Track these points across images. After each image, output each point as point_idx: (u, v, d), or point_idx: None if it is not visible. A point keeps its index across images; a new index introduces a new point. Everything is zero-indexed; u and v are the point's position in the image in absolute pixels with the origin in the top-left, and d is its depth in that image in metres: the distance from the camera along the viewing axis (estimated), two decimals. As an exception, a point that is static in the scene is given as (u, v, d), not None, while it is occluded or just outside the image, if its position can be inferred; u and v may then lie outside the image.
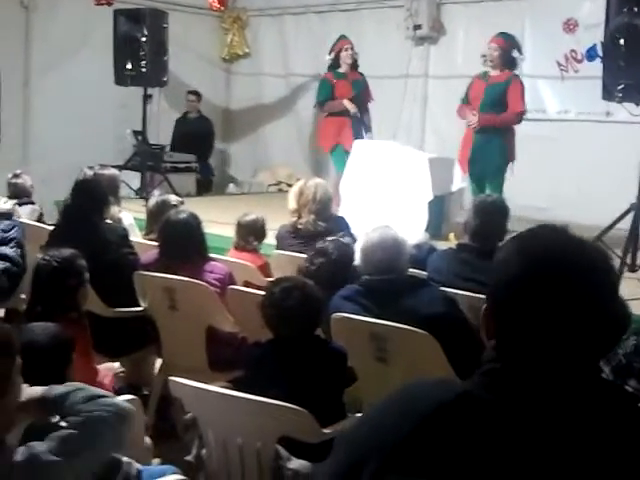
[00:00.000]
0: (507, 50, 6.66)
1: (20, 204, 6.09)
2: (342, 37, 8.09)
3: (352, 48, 7.92)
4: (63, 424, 2.06)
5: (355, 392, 3.38)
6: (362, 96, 7.91)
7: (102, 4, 8.29)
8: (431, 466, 1.23)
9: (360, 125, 7.86)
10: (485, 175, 6.71)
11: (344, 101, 7.77)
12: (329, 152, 8.05)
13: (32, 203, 6.24)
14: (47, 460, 1.93)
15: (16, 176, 6.26)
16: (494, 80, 6.66)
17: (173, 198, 5.43)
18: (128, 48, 8.28)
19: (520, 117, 6.59)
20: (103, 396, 2.10)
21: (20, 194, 6.12)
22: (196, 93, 10.32)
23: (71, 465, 1.96)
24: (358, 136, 7.72)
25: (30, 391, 2.13)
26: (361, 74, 7.99)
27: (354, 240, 4.88)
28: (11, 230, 4.15)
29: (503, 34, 6.82)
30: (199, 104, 10.37)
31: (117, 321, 4.31)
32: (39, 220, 5.90)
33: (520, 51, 6.74)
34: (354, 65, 7.94)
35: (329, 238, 4.18)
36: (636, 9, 5.50)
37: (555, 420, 1.23)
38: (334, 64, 7.97)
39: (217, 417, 2.91)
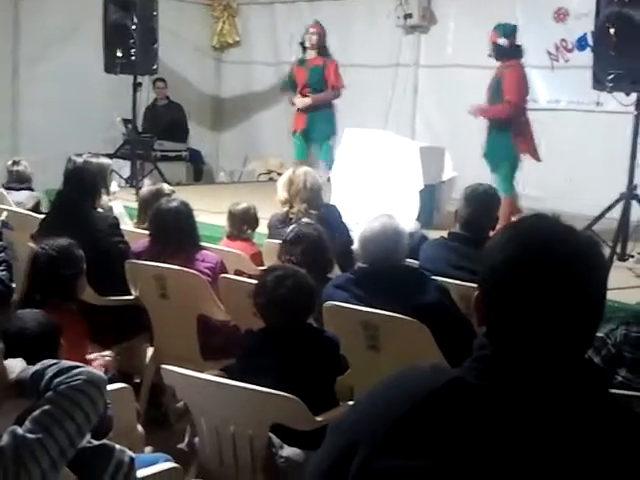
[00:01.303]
0: (494, 43, 6.63)
1: (18, 189, 6.10)
2: (314, 22, 8.05)
3: (318, 32, 7.83)
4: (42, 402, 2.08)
5: (347, 380, 3.39)
6: (318, 83, 7.82)
7: (91, -8, 8.24)
8: (423, 451, 1.24)
9: (318, 118, 7.86)
10: (495, 167, 6.69)
11: (294, 99, 7.87)
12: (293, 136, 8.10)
13: (31, 189, 6.25)
14: (28, 439, 1.95)
15: (16, 163, 6.28)
16: (496, 72, 6.67)
17: (166, 187, 5.42)
18: (118, 36, 8.23)
19: (510, 106, 6.48)
20: (74, 367, 2.12)
21: (20, 180, 6.15)
22: (162, 80, 10.16)
23: (53, 438, 1.98)
24: (311, 125, 7.79)
25: (9, 364, 2.17)
26: (326, 59, 7.86)
27: (346, 229, 4.91)
28: (1, 253, 4.18)
29: (496, 27, 6.76)
30: (167, 90, 10.26)
31: (108, 309, 4.30)
32: (36, 207, 5.89)
33: (508, 35, 6.64)
34: (320, 50, 7.85)
35: (298, 224, 4.18)
36: (627, -1, 5.50)
37: (546, 406, 1.24)
38: (303, 48, 7.97)
39: (209, 405, 2.91)
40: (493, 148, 6.63)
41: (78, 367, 2.13)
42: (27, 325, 2.79)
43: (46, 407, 2.02)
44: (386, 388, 1.37)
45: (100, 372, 2.22)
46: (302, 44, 7.95)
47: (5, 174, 6.62)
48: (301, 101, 7.86)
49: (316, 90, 7.83)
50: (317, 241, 3.93)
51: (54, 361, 2.16)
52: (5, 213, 5.21)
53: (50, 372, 2.10)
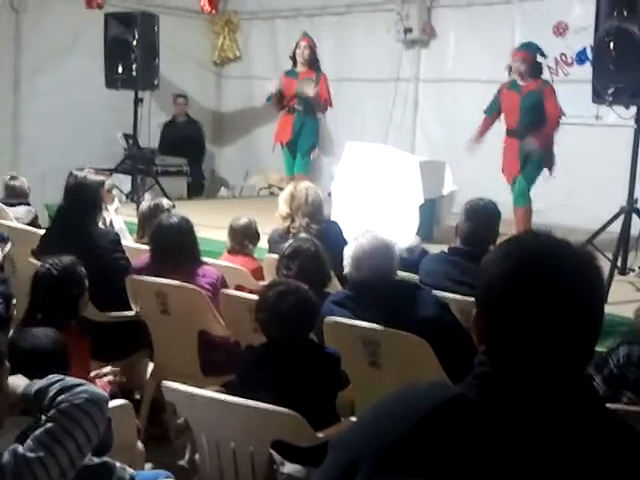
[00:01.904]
0: (532, 60, 6.67)
1: (16, 204, 6.11)
2: (303, 34, 8.05)
3: (310, 46, 7.82)
4: (43, 419, 2.10)
5: (348, 395, 3.39)
6: (305, 91, 7.73)
7: (93, 7, 8.26)
8: (426, 468, 1.24)
9: (305, 125, 7.81)
10: (524, 174, 6.70)
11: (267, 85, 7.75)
12: (273, 149, 8.10)
13: (28, 204, 6.25)
14: (29, 458, 1.95)
15: (13, 178, 6.29)
16: (528, 89, 6.64)
17: (165, 202, 5.43)
18: (119, 51, 8.26)
19: (558, 121, 6.57)
20: (77, 384, 2.13)
21: (17, 196, 6.15)
22: (184, 96, 10.29)
23: (54, 458, 1.99)
24: (297, 134, 7.75)
25: (14, 384, 2.17)
26: (318, 73, 7.82)
27: (346, 245, 4.90)
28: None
29: (524, 46, 6.82)
30: (187, 107, 10.35)
31: (109, 325, 4.30)
32: (33, 222, 5.89)
33: (543, 54, 6.74)
34: (311, 63, 7.81)
35: (295, 240, 4.19)
36: (626, 13, 5.51)
37: (546, 423, 1.24)
38: (293, 62, 7.92)
39: (210, 421, 2.91)
40: (533, 158, 6.63)
41: (81, 385, 2.13)
42: (41, 343, 2.81)
43: (48, 426, 2.02)
44: (388, 405, 1.37)
45: (102, 390, 2.21)
46: (293, 58, 7.90)
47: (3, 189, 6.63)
48: (310, 86, 7.66)
49: (304, 102, 7.79)
50: (314, 256, 3.92)
51: (58, 377, 2.17)
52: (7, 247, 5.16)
53: (53, 390, 2.10)
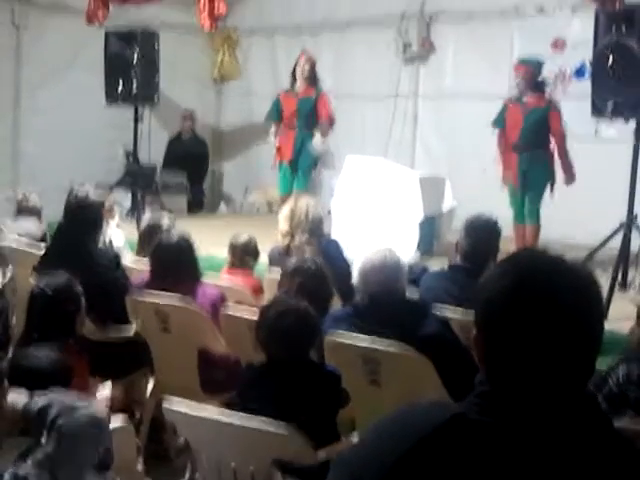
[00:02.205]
0: (531, 75, 6.67)
1: (24, 218, 6.13)
2: (303, 51, 8.07)
3: (310, 62, 7.81)
4: (43, 442, 2.10)
5: (349, 414, 3.38)
6: (309, 114, 7.81)
7: (93, 24, 8.29)
8: None
9: (306, 140, 7.82)
10: (528, 192, 6.72)
11: (317, 145, 7.78)
12: (275, 167, 8.08)
13: (39, 221, 6.27)
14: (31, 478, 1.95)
15: (25, 197, 6.30)
16: (532, 105, 6.65)
17: (166, 219, 5.42)
18: (119, 68, 8.30)
19: (564, 136, 6.62)
20: (79, 407, 2.13)
21: (29, 212, 6.19)
22: (191, 114, 10.35)
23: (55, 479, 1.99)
24: (299, 151, 7.77)
25: (14, 402, 2.17)
26: (318, 91, 7.86)
27: (347, 262, 4.91)
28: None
29: (523, 60, 6.86)
30: (194, 125, 10.40)
31: (109, 344, 4.29)
32: (43, 238, 5.89)
33: (539, 72, 6.76)
34: (311, 80, 7.82)
35: (297, 258, 4.19)
36: (624, 28, 5.55)
37: (547, 442, 1.24)
38: (293, 79, 7.91)
39: (210, 441, 2.90)
40: (524, 174, 6.65)
41: (82, 407, 2.13)
42: (41, 362, 2.80)
43: (48, 448, 2.02)
44: (390, 424, 1.37)
45: (102, 411, 2.21)
46: (293, 74, 7.88)
47: (5, 205, 6.64)
48: (322, 145, 7.77)
49: (305, 120, 7.83)
50: (316, 274, 3.92)
51: (60, 397, 2.17)
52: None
53: (55, 411, 2.10)
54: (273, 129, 8.04)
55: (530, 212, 6.65)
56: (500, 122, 6.88)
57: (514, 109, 6.77)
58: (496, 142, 6.94)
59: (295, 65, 7.87)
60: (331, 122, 7.86)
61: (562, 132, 6.59)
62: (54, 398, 2.17)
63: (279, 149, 8.02)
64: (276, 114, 7.99)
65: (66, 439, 2.04)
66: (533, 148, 6.59)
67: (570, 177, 6.58)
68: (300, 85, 7.83)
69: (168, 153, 10.23)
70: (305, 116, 7.79)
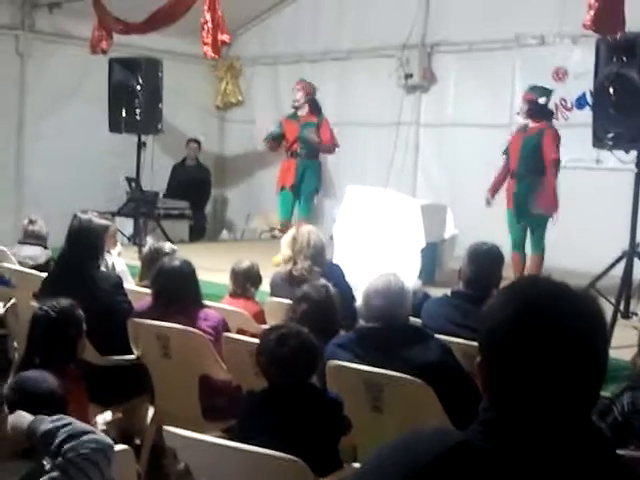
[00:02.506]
0: (534, 103, 6.72)
1: (33, 244, 6.15)
2: (298, 80, 8.23)
3: (303, 89, 7.98)
4: (47, 467, 2.09)
5: (351, 441, 3.36)
6: (311, 139, 7.92)
7: (97, 53, 8.35)
8: None
9: (308, 168, 7.91)
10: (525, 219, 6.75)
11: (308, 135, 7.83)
12: (277, 194, 8.16)
13: (45, 247, 6.29)
14: None
15: (32, 222, 6.33)
16: (531, 131, 6.73)
17: (167, 246, 5.44)
18: (123, 96, 8.35)
19: (556, 164, 6.63)
20: (86, 432, 2.11)
21: (35, 238, 6.21)
22: (196, 141, 10.41)
23: None
24: (300, 178, 7.84)
25: (18, 421, 2.16)
26: (319, 117, 8.00)
27: (349, 288, 4.90)
28: None
29: (531, 88, 6.91)
30: (199, 152, 10.46)
31: (110, 369, 4.28)
32: (47, 263, 5.91)
33: (547, 96, 6.81)
34: (311, 107, 7.98)
35: (310, 284, 4.18)
36: (625, 58, 5.58)
37: (551, 469, 1.23)
38: (295, 109, 8.09)
39: (211, 467, 2.88)
40: (520, 202, 6.66)
41: (89, 432, 2.12)
42: (38, 388, 2.78)
43: (54, 475, 2.00)
44: (393, 451, 1.36)
45: (108, 438, 2.20)
46: (294, 106, 8.07)
47: (8, 231, 6.65)
48: (312, 137, 7.85)
49: (307, 145, 7.90)
50: (319, 303, 3.90)
51: (67, 421, 2.15)
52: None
53: (61, 436, 2.08)
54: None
55: (533, 243, 6.68)
56: (506, 150, 6.95)
57: (516, 136, 6.84)
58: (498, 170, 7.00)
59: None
60: (334, 145, 7.92)
61: (553, 157, 6.59)
62: (60, 421, 2.15)
63: (281, 175, 8.05)
64: (278, 136, 8.12)
65: (73, 466, 2.02)
66: (530, 175, 6.62)
67: (551, 205, 6.57)
68: (302, 112, 7.89)
69: (172, 178, 10.28)
70: (307, 142, 7.84)
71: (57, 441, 2.07)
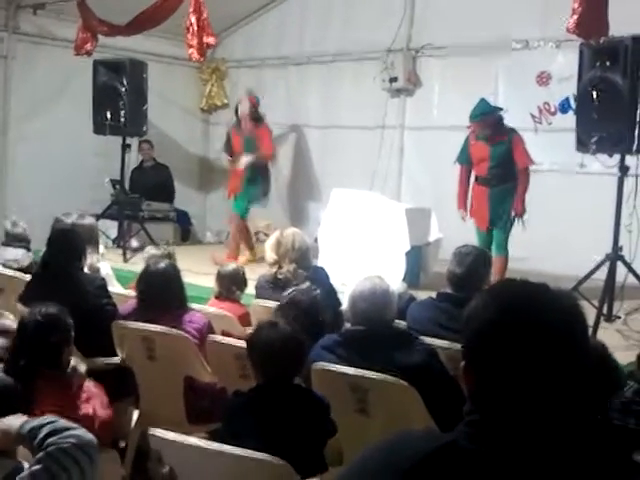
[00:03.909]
0: (494, 123, 6.73)
1: (15, 246, 6.11)
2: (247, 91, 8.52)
3: (250, 100, 8.28)
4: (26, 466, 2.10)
5: (336, 444, 3.36)
6: (254, 150, 8.24)
7: (82, 54, 8.32)
8: None
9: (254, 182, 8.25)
10: (496, 225, 6.78)
11: (241, 161, 8.18)
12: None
13: (28, 249, 6.26)
14: None
15: (14, 224, 6.29)
16: (497, 140, 6.71)
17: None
18: (107, 98, 8.32)
19: (528, 173, 6.68)
20: (69, 428, 2.12)
21: (18, 240, 6.18)
22: (148, 142, 10.24)
23: None
24: (246, 187, 8.19)
25: (5, 423, 2.16)
26: (258, 125, 8.28)
27: (334, 290, 4.91)
28: None
29: (478, 115, 6.84)
30: (153, 152, 10.34)
31: (94, 372, 4.25)
32: (30, 266, 5.88)
33: (495, 114, 6.81)
34: (254, 117, 8.26)
35: (296, 288, 4.19)
36: (608, 63, 5.62)
37: (539, 470, 1.24)
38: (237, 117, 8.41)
39: (196, 470, 2.87)
40: (495, 208, 6.70)
41: (71, 428, 2.12)
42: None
43: (34, 469, 2.02)
44: (380, 452, 1.36)
45: (91, 435, 2.19)
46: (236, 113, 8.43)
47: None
48: (244, 161, 8.17)
49: (251, 167, 8.24)
50: (308, 307, 3.91)
51: (52, 419, 2.16)
52: None
53: (45, 430, 2.10)
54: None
55: (498, 244, 6.71)
56: (463, 158, 6.95)
57: (477, 146, 6.82)
58: (458, 179, 7.02)
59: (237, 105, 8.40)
60: (270, 154, 8.40)
61: (525, 163, 6.64)
62: (46, 419, 2.16)
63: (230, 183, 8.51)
64: (227, 147, 8.63)
65: (53, 460, 2.03)
66: (503, 182, 6.65)
67: (520, 207, 6.59)
68: (244, 123, 8.29)
69: (133, 183, 10.04)
70: (251, 153, 8.17)
71: (40, 436, 2.08)
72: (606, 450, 1.34)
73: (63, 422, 2.15)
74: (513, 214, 6.66)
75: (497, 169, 6.68)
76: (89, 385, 3.54)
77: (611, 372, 2.79)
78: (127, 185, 9.35)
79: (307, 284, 4.21)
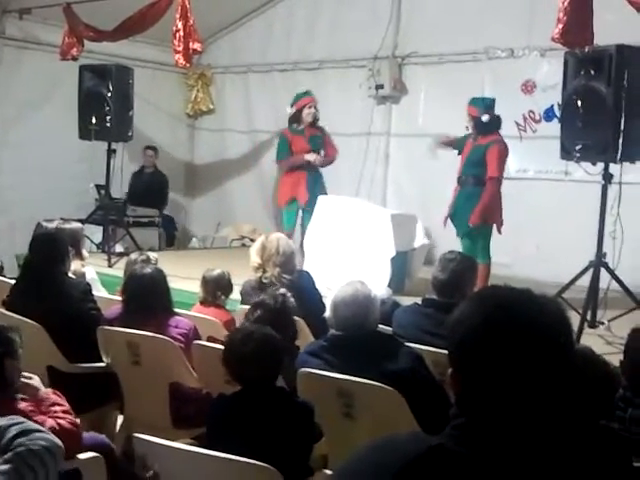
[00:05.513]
0: (477, 119, 6.70)
1: None
2: (307, 93, 8.15)
3: (315, 106, 7.97)
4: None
5: (322, 449, 3.36)
6: (321, 149, 7.94)
7: (67, 59, 8.30)
8: None
9: (316, 181, 7.89)
10: (457, 227, 6.78)
11: (305, 155, 7.80)
12: (284, 206, 8.04)
13: None
14: None
15: None
16: (480, 142, 6.70)
17: (151, 255, 5.43)
18: (93, 103, 8.29)
19: (495, 182, 6.59)
20: (37, 430, 2.12)
21: None
22: (154, 148, 10.33)
23: None
24: (312, 192, 7.75)
25: None
26: (320, 129, 8.00)
27: (319, 295, 4.91)
28: None
29: (472, 101, 6.85)
30: (156, 159, 10.39)
31: (79, 377, 4.24)
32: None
33: (490, 108, 6.77)
34: (313, 123, 7.96)
35: (267, 292, 4.19)
36: (593, 72, 5.66)
37: (525, 472, 1.25)
38: (294, 119, 8.00)
39: (181, 474, 2.86)
40: (459, 208, 6.71)
41: (41, 431, 2.13)
42: None
43: (2, 469, 2.03)
44: (369, 454, 1.37)
45: (58, 440, 2.20)
46: (294, 115, 7.98)
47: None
48: (316, 157, 7.83)
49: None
50: (274, 311, 3.89)
51: (20, 419, 2.16)
52: None
53: (13, 431, 2.10)
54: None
55: (477, 252, 6.49)
56: (460, 146, 6.95)
57: (467, 144, 6.83)
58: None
59: (299, 106, 7.95)
60: (334, 156, 8.03)
61: (493, 174, 6.54)
62: (15, 419, 2.16)
63: (288, 187, 8.00)
64: (286, 153, 8.02)
65: (21, 460, 2.04)
66: (470, 185, 6.66)
67: (476, 216, 6.55)
68: (305, 126, 7.92)
69: (132, 186, 10.13)
70: (318, 151, 7.86)
71: (9, 436, 2.09)
72: (602, 454, 1.35)
73: (31, 424, 2.16)
74: (476, 221, 6.55)
75: (468, 170, 6.68)
76: (47, 395, 3.42)
77: (607, 374, 2.80)
78: (126, 188, 9.37)
79: (282, 290, 4.20)
